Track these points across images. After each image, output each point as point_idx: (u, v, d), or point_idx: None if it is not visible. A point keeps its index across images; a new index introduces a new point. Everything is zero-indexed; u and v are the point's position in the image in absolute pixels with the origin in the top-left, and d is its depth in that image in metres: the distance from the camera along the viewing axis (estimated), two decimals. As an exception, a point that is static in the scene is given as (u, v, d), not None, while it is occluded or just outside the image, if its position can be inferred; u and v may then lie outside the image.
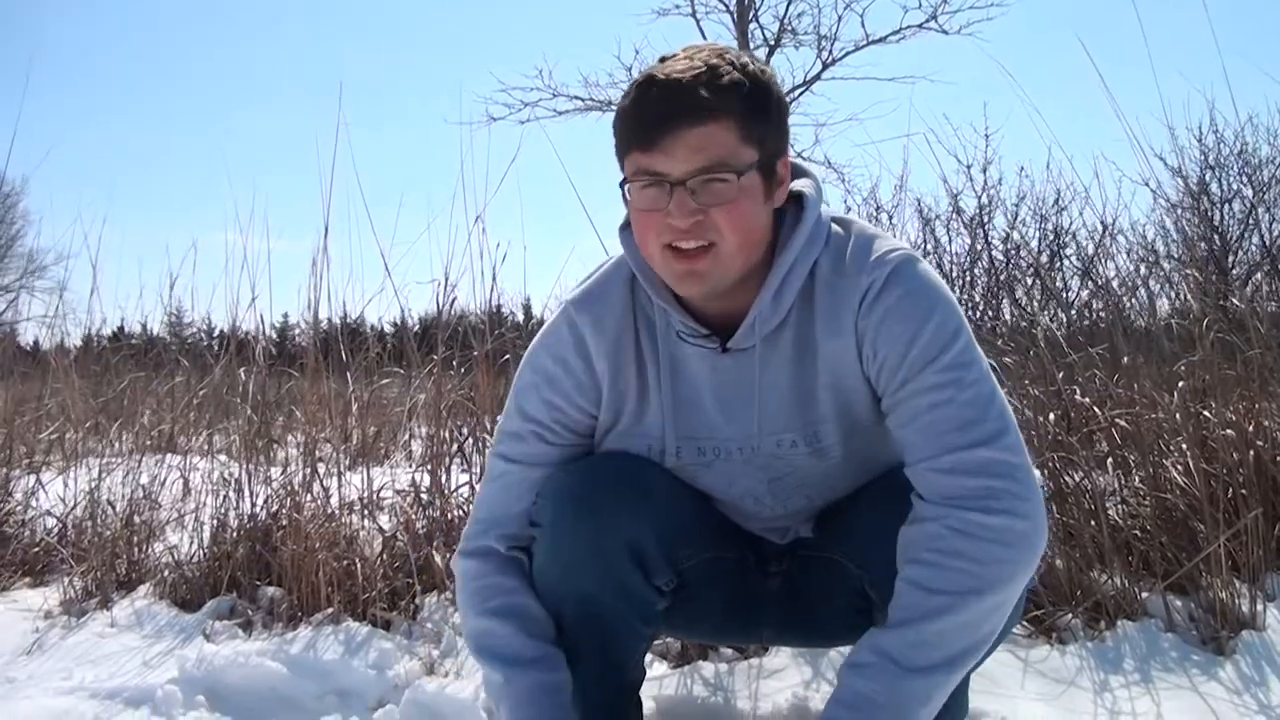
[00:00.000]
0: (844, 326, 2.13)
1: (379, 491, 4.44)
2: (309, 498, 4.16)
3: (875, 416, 2.20)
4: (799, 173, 2.26)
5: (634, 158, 2.04)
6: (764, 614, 2.54)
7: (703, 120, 1.97)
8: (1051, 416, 4.09)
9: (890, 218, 9.62)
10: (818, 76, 19.91)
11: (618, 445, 2.35)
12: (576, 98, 19.84)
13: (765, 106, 2.04)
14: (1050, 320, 7.13)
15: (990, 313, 8.32)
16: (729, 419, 2.27)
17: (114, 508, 4.52)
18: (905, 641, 1.97)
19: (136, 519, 4.45)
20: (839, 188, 14.09)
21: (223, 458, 4.93)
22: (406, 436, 6.38)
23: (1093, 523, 3.60)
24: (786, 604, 2.51)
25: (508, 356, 4.65)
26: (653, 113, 2.00)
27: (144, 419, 6.12)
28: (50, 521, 4.76)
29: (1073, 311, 7.68)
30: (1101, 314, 6.27)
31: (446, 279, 4.74)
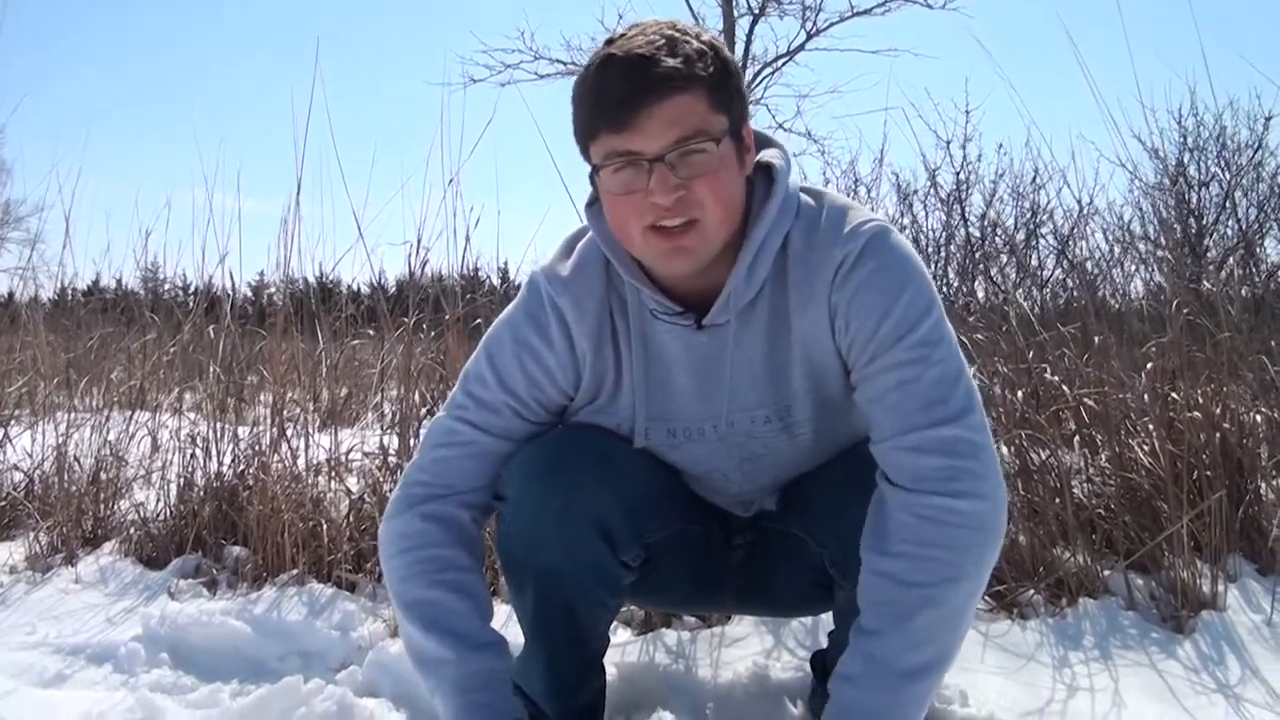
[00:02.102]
0: (817, 298, 2.12)
1: (348, 453, 4.44)
2: (276, 458, 4.16)
3: (846, 391, 2.19)
4: (765, 143, 2.25)
5: (603, 140, 2.01)
6: (726, 584, 2.55)
7: (673, 92, 1.95)
8: (1020, 394, 4.11)
9: (869, 192, 9.63)
10: (801, 47, 19.94)
11: (587, 420, 2.34)
12: (558, 60, 19.79)
13: (727, 72, 2.02)
14: (1024, 298, 7.16)
15: (964, 289, 8.35)
16: (702, 396, 2.25)
17: (81, 464, 4.51)
18: (895, 645, 1.97)
19: (104, 475, 4.45)
20: (818, 159, 14.13)
21: (192, 415, 4.92)
22: (378, 398, 6.39)
23: (1057, 500, 3.63)
24: (748, 575, 2.52)
25: (479, 321, 4.64)
26: (620, 91, 1.96)
27: (113, 375, 6.11)
28: (17, 476, 4.74)
29: (1046, 290, 7.71)
30: (1076, 293, 6.29)
31: (419, 241, 4.72)
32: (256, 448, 4.22)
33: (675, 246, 2.03)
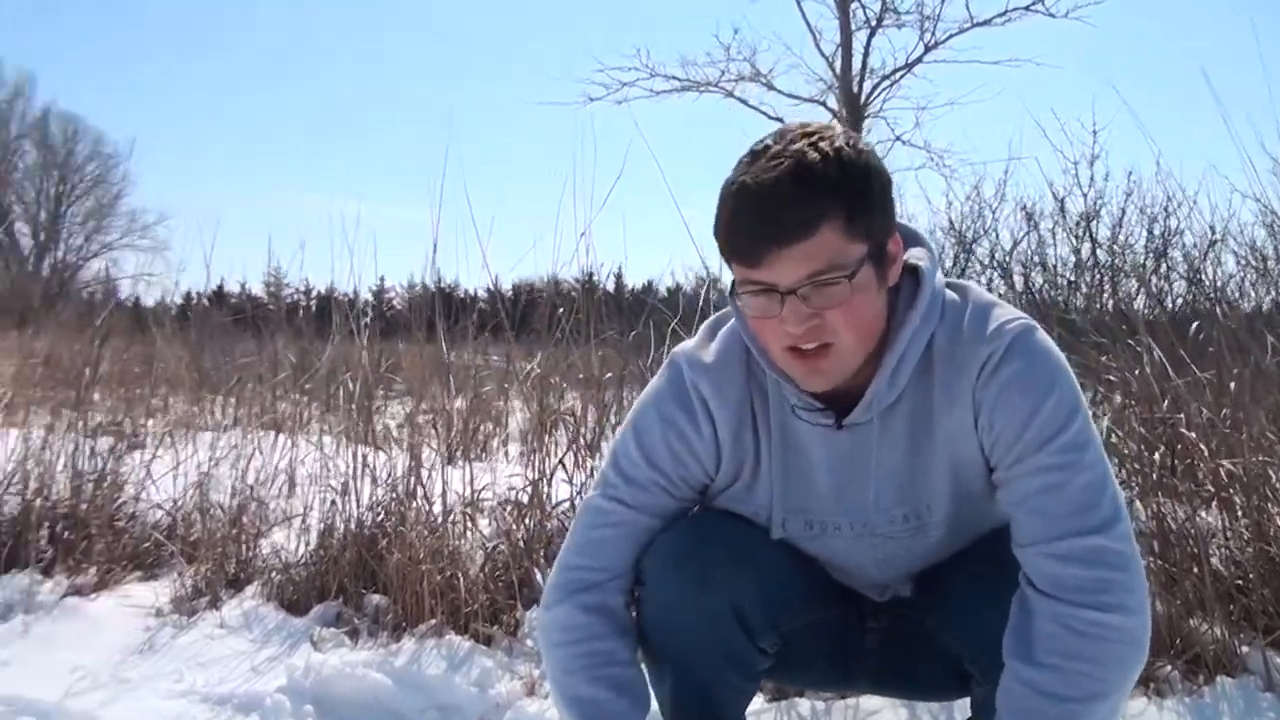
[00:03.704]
0: (961, 397, 2.13)
1: (480, 493, 4.56)
2: (413, 505, 4.27)
3: (987, 487, 2.20)
4: (911, 239, 2.25)
5: (738, 269, 2.04)
6: (861, 669, 2.58)
7: (804, 234, 1.95)
8: (1157, 455, 4.09)
9: (993, 213, 9.58)
10: (919, 59, 19.82)
11: (726, 507, 2.38)
12: (674, 77, 19.93)
13: (867, 194, 2.01)
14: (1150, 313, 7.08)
15: (1091, 315, 8.28)
16: (841, 495, 2.28)
17: (222, 509, 4.67)
18: None
19: (244, 519, 4.61)
20: (939, 173, 14.04)
21: (327, 440, 5.09)
22: (506, 418, 6.54)
23: (1194, 569, 3.61)
24: (884, 661, 2.54)
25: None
26: (750, 231, 1.99)
27: (246, 390, 6.31)
28: (159, 514, 4.91)
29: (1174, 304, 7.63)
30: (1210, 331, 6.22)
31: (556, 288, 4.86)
32: (394, 494, 4.34)
33: (811, 369, 2.08)
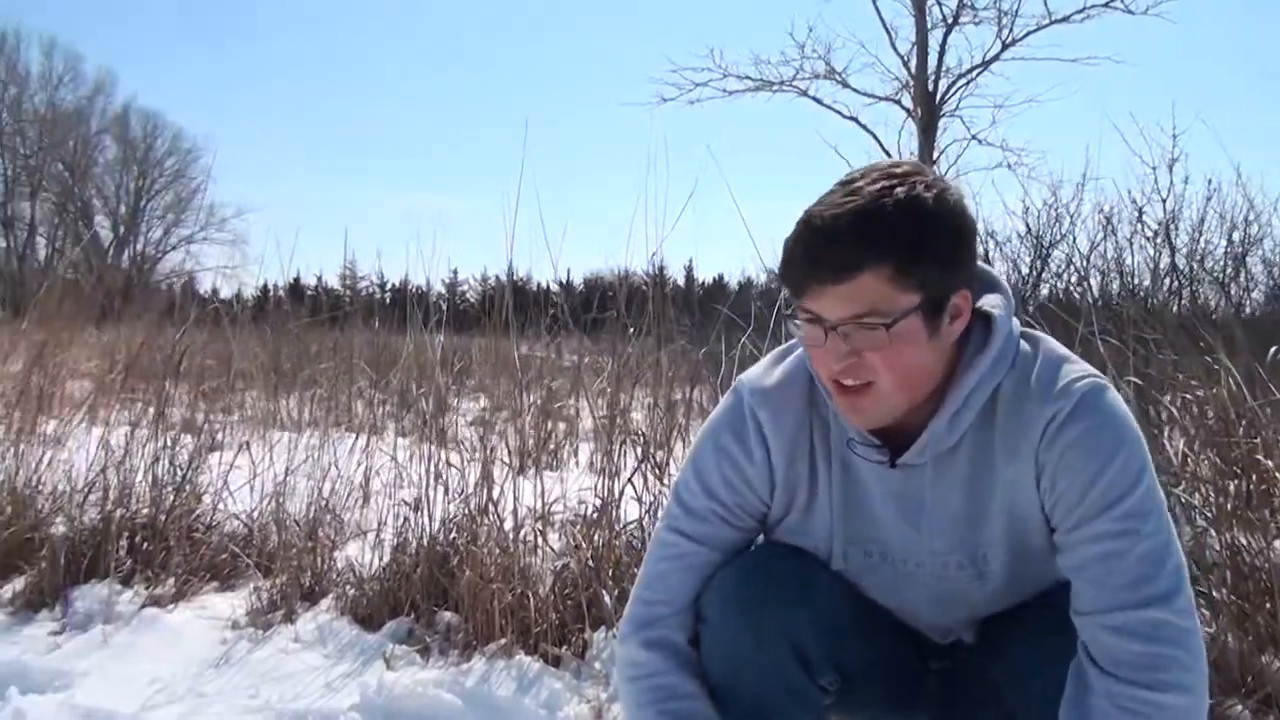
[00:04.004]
0: (1023, 454, 2.13)
1: (550, 506, 4.61)
2: (485, 521, 4.33)
3: (1047, 543, 2.20)
4: (988, 285, 2.24)
5: (793, 296, 2.10)
6: (923, 711, 2.59)
7: (847, 277, 1.98)
8: (1232, 487, 4.05)
9: (1071, 220, 9.51)
10: (996, 57, 19.66)
11: (785, 540, 2.40)
12: (747, 77, 19.90)
13: (928, 246, 2.01)
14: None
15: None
16: (897, 530, 2.29)
17: (298, 524, 4.75)
18: None
19: (320, 532, 4.68)
20: (1015, 173, 13.95)
21: (402, 443, 5.18)
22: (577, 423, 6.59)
23: (1268, 604, 3.57)
24: (945, 705, 2.55)
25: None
26: (803, 263, 2.03)
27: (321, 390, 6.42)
28: (236, 523, 5.01)
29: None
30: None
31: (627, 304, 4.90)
32: (466, 510, 4.39)
33: (852, 405, 2.11)
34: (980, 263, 2.22)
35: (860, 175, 2.06)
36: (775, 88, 20.14)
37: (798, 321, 2.11)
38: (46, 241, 59.87)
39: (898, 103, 20.30)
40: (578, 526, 4.44)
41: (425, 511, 4.44)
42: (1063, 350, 2.23)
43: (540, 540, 4.42)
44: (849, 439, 2.26)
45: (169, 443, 5.21)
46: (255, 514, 4.99)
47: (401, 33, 79.25)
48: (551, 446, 6.48)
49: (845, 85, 20.24)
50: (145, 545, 4.69)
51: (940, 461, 2.21)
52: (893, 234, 1.98)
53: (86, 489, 4.97)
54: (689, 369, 5.23)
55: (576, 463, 6.40)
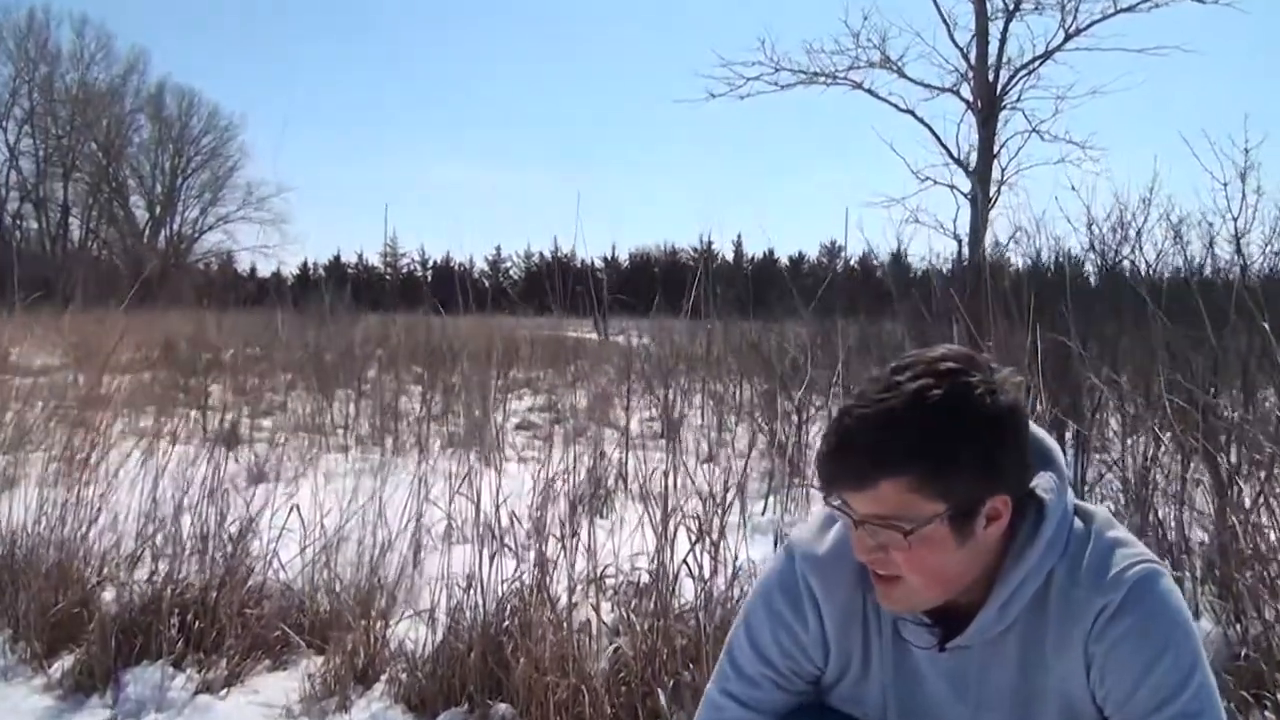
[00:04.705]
0: (1074, 645, 2.08)
1: (603, 571, 4.58)
2: (538, 598, 4.29)
3: None
4: (1041, 459, 2.16)
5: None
6: None
7: (863, 486, 1.97)
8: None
9: (1138, 234, 9.39)
10: (1059, 47, 19.30)
11: (838, 707, 2.35)
12: (800, 70, 19.65)
13: (964, 454, 1.96)
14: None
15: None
16: (949, 709, 2.24)
17: (349, 591, 4.73)
18: None
19: (372, 607, 4.65)
20: (1079, 167, 13.80)
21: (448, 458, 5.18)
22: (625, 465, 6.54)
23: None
24: None
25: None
26: (826, 463, 2.02)
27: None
28: (287, 587, 4.98)
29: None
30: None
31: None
32: (521, 593, 4.36)
33: (883, 592, 2.08)
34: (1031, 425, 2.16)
35: (907, 365, 2.01)
36: (829, 80, 19.90)
37: (833, 505, 2.09)
38: (80, 223, 60.47)
39: (956, 94, 19.96)
40: (631, 600, 4.42)
41: (478, 588, 4.40)
42: (1117, 530, 2.16)
43: (594, 610, 4.38)
44: (898, 617, 2.22)
45: (217, 501, 5.19)
46: (305, 576, 4.96)
47: (444, 5, 79.39)
48: (603, 493, 6.44)
49: (902, 74, 19.91)
50: (197, 623, 4.65)
51: (992, 643, 2.16)
52: (919, 443, 1.94)
53: (133, 558, 4.96)
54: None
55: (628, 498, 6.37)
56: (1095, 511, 2.18)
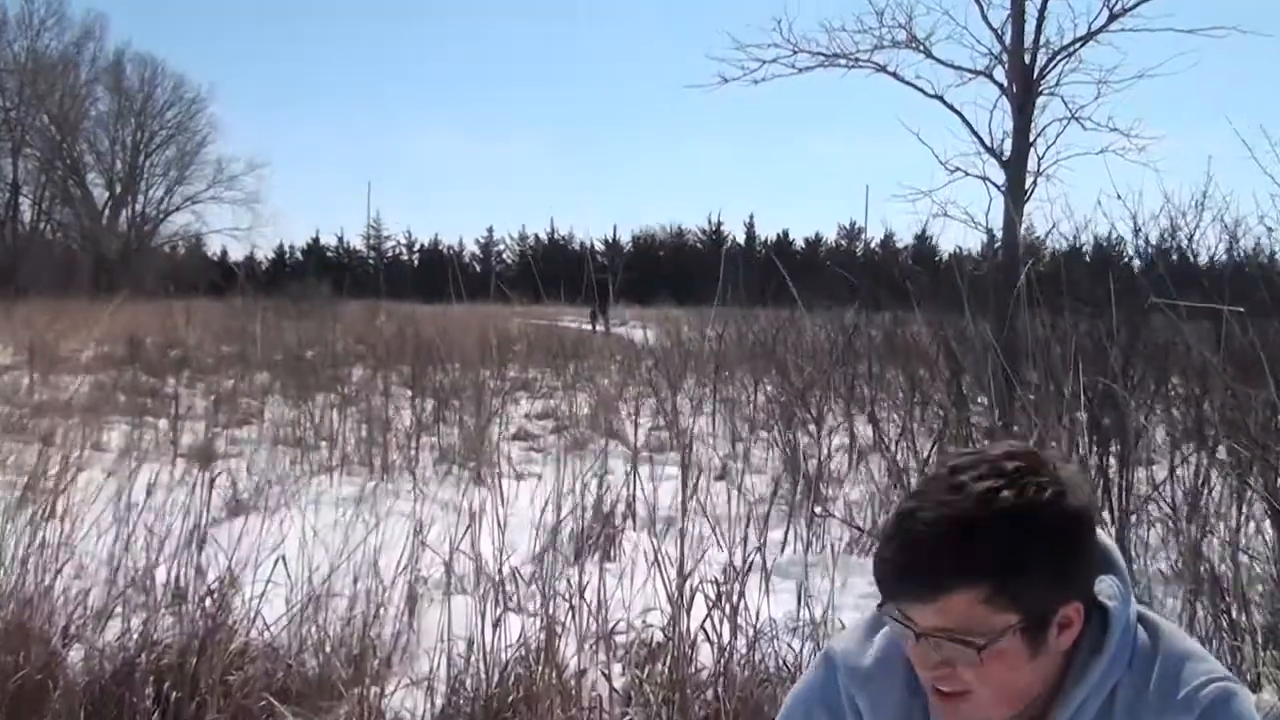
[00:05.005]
0: None
1: (613, 629, 4.53)
2: (544, 677, 4.24)
3: None
4: (1106, 561, 2.10)
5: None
6: None
7: (936, 597, 1.88)
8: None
9: (1190, 239, 9.35)
10: (1103, 28, 19.07)
11: None
12: (819, 53, 19.47)
13: (1037, 562, 1.89)
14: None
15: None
16: None
17: (340, 655, 4.66)
18: None
19: (365, 676, 4.57)
20: (1121, 158, 13.68)
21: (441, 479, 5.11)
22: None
23: None
24: None
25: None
26: (888, 572, 1.93)
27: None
28: (270, 645, 4.89)
29: None
30: None
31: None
32: (526, 660, 4.30)
33: (948, 708, 2.00)
34: None
35: (969, 465, 1.93)
36: (850, 63, 19.68)
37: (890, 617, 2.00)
38: (32, 203, 59.77)
39: (989, 77, 19.69)
40: (643, 661, 4.39)
41: (480, 653, 4.35)
42: (1186, 643, 2.09)
43: (603, 676, 4.34)
44: None
45: (193, 547, 5.11)
46: (290, 631, 4.87)
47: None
48: (610, 532, 6.39)
49: (929, 55, 19.61)
50: (174, 694, 4.51)
51: None
52: (991, 552, 1.87)
53: (105, 614, 4.86)
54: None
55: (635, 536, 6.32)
56: (1161, 623, 2.10)
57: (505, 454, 9.07)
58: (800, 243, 72.09)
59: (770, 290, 13.75)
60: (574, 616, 4.48)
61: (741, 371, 13.26)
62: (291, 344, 16.42)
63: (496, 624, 4.39)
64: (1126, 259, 10.93)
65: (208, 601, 4.83)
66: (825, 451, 9.03)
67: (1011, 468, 1.91)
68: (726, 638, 4.30)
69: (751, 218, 71.92)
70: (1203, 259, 9.61)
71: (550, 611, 4.42)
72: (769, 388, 12.12)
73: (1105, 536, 2.16)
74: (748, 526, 4.81)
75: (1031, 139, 17.65)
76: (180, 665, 4.61)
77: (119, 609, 4.90)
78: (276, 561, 5.02)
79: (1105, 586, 2.08)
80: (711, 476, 7.64)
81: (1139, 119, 16.43)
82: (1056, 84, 19.07)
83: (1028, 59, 19.08)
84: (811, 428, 9.58)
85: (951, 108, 19.71)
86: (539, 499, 5.61)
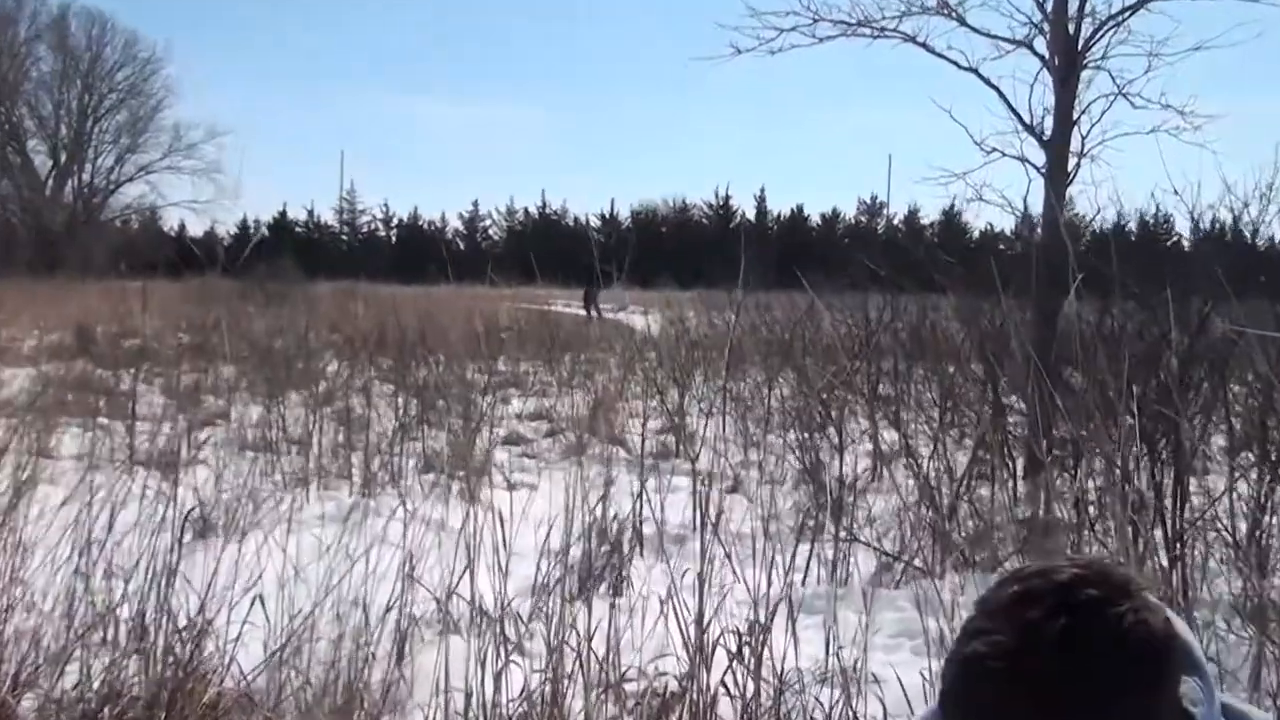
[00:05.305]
0: None
1: (624, 675, 4.42)
2: None
3: None
4: (1188, 660, 1.94)
5: None
6: None
7: None
8: None
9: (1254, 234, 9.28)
10: (1154, -4, 18.86)
11: None
12: (842, 21, 19.27)
13: (1126, 702, 1.75)
14: None
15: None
16: None
17: (324, 708, 4.53)
18: None
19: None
20: (1175, 138, 13.53)
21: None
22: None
23: None
24: None
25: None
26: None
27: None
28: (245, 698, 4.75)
29: None
30: None
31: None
32: (530, 715, 4.19)
33: None
34: None
35: (1034, 596, 1.76)
36: (875, 32, 19.47)
37: None
38: (-35, 172, 59.19)
39: (1030, 47, 19.43)
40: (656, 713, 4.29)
41: (480, 708, 4.24)
42: None
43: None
44: None
45: (160, 588, 4.97)
46: (268, 675, 4.74)
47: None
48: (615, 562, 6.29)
49: (963, 23, 19.42)
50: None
51: None
52: (1069, 704, 1.72)
53: (62, 658, 4.72)
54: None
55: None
56: (1249, 711, 2.01)
57: (496, 462, 8.98)
58: (816, 219, 71.98)
59: (783, 274, 13.64)
60: (581, 665, 4.36)
61: (755, 368, 13.13)
62: (259, 333, 16.28)
63: (498, 676, 4.26)
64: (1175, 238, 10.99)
65: (177, 646, 4.68)
66: (848, 467, 8.90)
67: (1084, 597, 1.75)
68: (750, 691, 4.18)
69: (763, 191, 71.41)
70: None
71: (555, 662, 4.30)
72: (784, 388, 12.01)
73: (1186, 630, 2.05)
74: (771, 567, 4.69)
75: (1075, 117, 17.40)
76: (148, 719, 4.47)
77: (77, 653, 4.71)
78: (254, 601, 4.88)
79: (1188, 689, 1.97)
80: (724, 488, 7.54)
81: (1194, 95, 16.20)
82: (1103, 56, 18.77)
83: (1071, 28, 18.80)
84: (832, 432, 9.45)
85: (988, 81, 19.38)
86: (533, 515, 5.48)
